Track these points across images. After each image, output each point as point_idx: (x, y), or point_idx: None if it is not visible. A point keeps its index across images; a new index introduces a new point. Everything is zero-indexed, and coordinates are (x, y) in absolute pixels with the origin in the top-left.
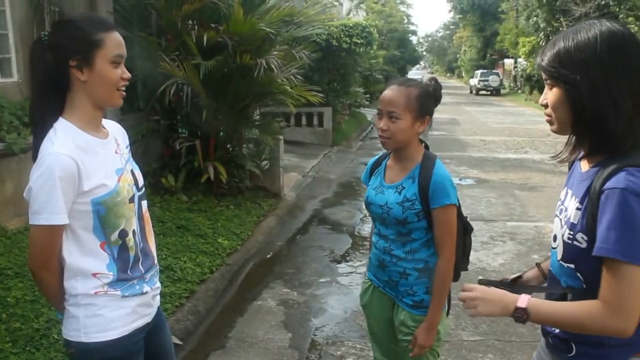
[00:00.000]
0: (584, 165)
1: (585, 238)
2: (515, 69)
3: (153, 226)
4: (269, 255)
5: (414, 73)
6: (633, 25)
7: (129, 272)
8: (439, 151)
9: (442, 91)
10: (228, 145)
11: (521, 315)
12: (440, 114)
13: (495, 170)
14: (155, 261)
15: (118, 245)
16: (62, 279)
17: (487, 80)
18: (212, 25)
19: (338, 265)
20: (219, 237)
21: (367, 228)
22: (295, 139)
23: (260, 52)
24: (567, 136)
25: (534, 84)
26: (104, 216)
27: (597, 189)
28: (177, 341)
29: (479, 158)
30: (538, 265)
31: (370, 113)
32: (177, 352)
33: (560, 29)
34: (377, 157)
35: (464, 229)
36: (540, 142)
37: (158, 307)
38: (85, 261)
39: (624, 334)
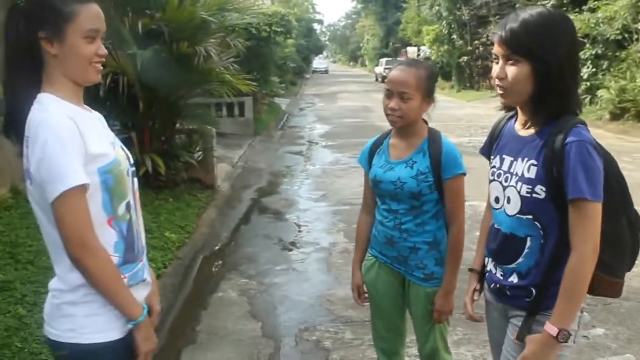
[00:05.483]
0: (526, 131)
1: (544, 189)
2: (419, 57)
3: None
4: (217, 247)
5: (319, 62)
6: None
7: (135, 250)
8: (359, 137)
9: (348, 80)
10: (162, 137)
11: (565, 335)
12: (351, 102)
13: None
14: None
15: (127, 221)
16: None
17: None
18: (147, 12)
19: (290, 253)
20: (166, 232)
21: (309, 216)
22: (217, 130)
23: (197, 40)
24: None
25: (438, 71)
26: (113, 187)
27: (559, 144)
28: None
29: None
30: (472, 270)
31: (284, 103)
32: None
33: (463, 17)
34: (375, 138)
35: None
36: (454, 127)
37: None
38: None
39: (595, 255)
